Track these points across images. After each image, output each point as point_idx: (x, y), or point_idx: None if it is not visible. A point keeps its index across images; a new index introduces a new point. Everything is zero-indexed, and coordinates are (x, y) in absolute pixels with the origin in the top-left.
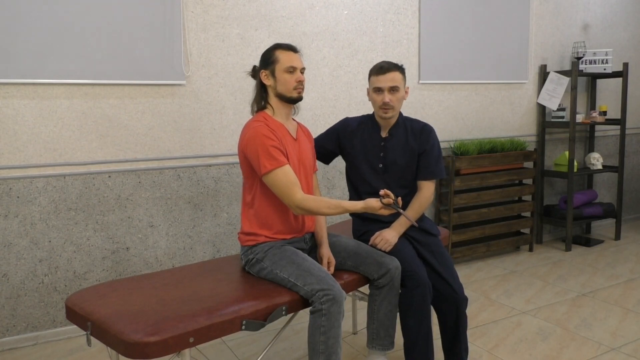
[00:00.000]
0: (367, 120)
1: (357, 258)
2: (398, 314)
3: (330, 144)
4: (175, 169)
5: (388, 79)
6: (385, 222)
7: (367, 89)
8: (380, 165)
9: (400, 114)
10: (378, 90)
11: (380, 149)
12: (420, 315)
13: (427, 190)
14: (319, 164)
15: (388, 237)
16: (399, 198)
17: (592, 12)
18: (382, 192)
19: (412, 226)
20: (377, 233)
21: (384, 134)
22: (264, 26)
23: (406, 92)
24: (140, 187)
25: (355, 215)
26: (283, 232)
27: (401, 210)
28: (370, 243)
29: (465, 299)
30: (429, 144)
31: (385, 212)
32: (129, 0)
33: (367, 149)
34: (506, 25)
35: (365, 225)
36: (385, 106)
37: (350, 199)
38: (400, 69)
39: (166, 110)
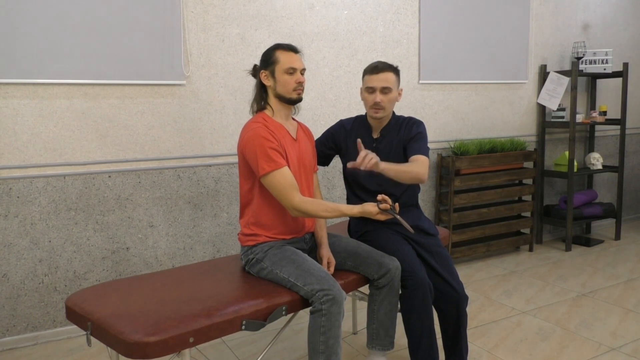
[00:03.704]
0: (360, 121)
1: (357, 258)
2: (399, 314)
3: (327, 148)
4: (175, 169)
5: (381, 79)
6: (383, 222)
7: (360, 89)
8: None
9: (393, 113)
10: (370, 89)
11: (372, 150)
12: (422, 315)
13: (418, 163)
14: None
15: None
16: (397, 204)
17: (592, 12)
18: (379, 197)
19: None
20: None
21: (375, 135)
22: (264, 26)
23: (399, 94)
24: (140, 187)
25: (353, 216)
26: (282, 232)
27: (398, 217)
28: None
29: (466, 298)
30: (413, 131)
31: (382, 217)
32: (129, 0)
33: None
34: (506, 25)
35: (363, 225)
36: (376, 106)
37: (347, 198)
38: (394, 70)
39: (166, 110)
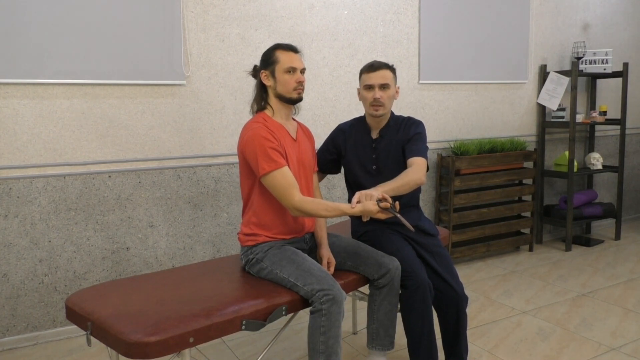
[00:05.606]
0: (358, 123)
1: (357, 258)
2: (399, 314)
3: (330, 154)
4: (175, 169)
5: (379, 76)
6: (384, 222)
7: (358, 89)
8: (374, 167)
9: (392, 113)
10: (369, 87)
11: (371, 150)
12: (422, 315)
13: (414, 168)
14: None
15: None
16: (397, 202)
17: (592, 12)
18: (380, 195)
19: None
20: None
21: (374, 135)
22: (264, 26)
23: (397, 92)
24: (140, 187)
25: (353, 215)
26: (283, 232)
27: (398, 215)
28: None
29: (466, 298)
30: (412, 131)
31: (382, 216)
32: (129, 1)
33: (359, 152)
34: (506, 25)
35: (364, 225)
36: (376, 102)
37: (349, 200)
38: (390, 68)
39: (166, 110)
